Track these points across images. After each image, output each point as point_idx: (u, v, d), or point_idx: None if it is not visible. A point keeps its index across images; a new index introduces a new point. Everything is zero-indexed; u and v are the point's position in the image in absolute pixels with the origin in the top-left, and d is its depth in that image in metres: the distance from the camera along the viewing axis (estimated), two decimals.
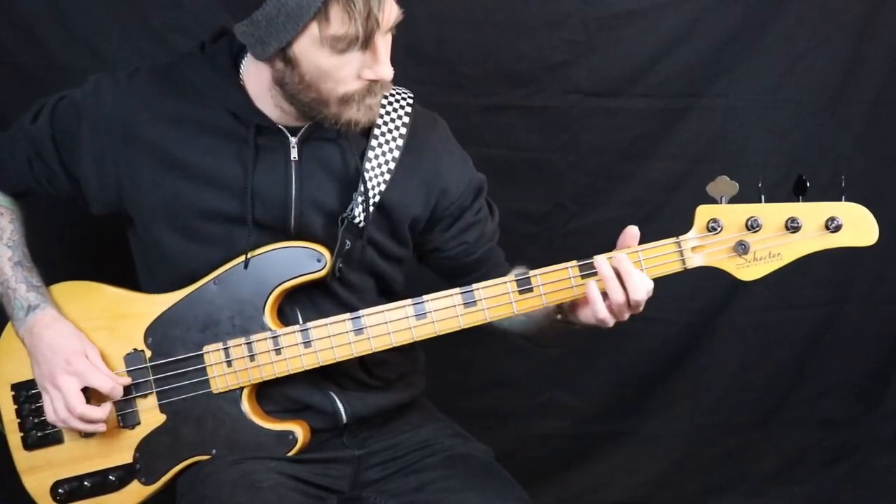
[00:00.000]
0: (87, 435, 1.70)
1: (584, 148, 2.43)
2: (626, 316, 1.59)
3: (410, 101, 1.75)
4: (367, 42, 1.47)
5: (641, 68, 2.37)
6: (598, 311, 1.57)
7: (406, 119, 1.72)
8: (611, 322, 1.59)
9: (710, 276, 2.45)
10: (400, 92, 1.76)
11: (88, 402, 1.66)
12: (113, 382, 1.65)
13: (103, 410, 1.66)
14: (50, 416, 1.67)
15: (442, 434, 1.84)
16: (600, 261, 1.57)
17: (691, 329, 2.58)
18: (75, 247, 2.22)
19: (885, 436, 2.73)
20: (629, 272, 1.55)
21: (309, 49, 1.47)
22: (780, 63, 2.40)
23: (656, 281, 1.59)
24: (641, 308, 1.58)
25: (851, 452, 2.75)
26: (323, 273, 1.66)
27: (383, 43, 1.50)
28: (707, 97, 2.41)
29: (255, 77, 1.61)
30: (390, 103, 1.73)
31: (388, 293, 1.79)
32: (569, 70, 2.36)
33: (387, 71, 1.52)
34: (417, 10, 2.25)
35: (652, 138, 2.44)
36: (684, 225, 1.60)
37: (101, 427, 1.67)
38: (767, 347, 2.63)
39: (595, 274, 1.58)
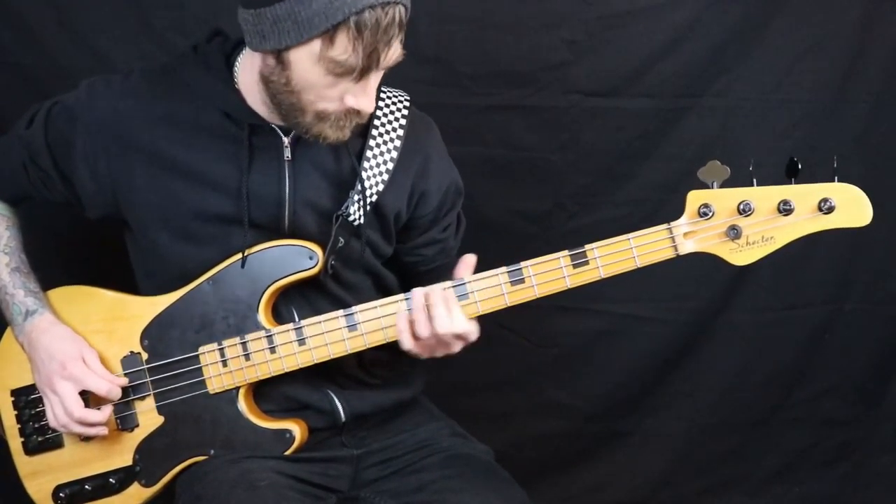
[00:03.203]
0: (86, 438, 1.71)
1: (584, 148, 2.42)
2: (440, 351, 1.61)
3: (407, 102, 1.76)
4: (362, 75, 1.48)
5: (641, 68, 2.37)
6: (401, 332, 1.59)
7: (403, 121, 1.73)
8: (418, 351, 1.61)
9: (710, 276, 2.51)
10: (397, 93, 1.77)
11: (88, 405, 1.66)
12: (109, 385, 1.66)
13: (103, 413, 1.67)
14: (51, 421, 1.68)
15: (441, 434, 1.84)
16: (416, 292, 1.59)
17: (691, 329, 2.58)
18: (73, 251, 2.22)
19: (885, 436, 2.72)
20: (435, 304, 1.56)
21: (304, 61, 1.48)
22: (780, 63, 2.39)
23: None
24: (455, 349, 1.60)
25: (851, 452, 2.73)
26: (315, 270, 1.66)
27: (375, 78, 1.52)
28: (707, 97, 2.40)
29: (249, 72, 1.61)
30: (387, 105, 1.74)
31: (384, 291, 1.80)
32: (569, 70, 2.35)
33: (368, 105, 1.54)
34: (417, 10, 2.24)
35: (652, 138, 2.43)
36: None
37: (103, 430, 1.68)
38: (767, 347, 2.62)
39: (587, 263, 1.58)
